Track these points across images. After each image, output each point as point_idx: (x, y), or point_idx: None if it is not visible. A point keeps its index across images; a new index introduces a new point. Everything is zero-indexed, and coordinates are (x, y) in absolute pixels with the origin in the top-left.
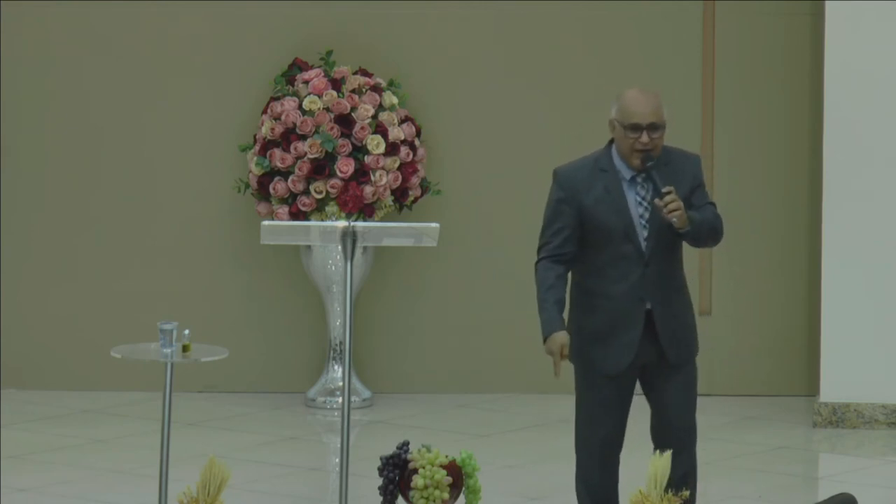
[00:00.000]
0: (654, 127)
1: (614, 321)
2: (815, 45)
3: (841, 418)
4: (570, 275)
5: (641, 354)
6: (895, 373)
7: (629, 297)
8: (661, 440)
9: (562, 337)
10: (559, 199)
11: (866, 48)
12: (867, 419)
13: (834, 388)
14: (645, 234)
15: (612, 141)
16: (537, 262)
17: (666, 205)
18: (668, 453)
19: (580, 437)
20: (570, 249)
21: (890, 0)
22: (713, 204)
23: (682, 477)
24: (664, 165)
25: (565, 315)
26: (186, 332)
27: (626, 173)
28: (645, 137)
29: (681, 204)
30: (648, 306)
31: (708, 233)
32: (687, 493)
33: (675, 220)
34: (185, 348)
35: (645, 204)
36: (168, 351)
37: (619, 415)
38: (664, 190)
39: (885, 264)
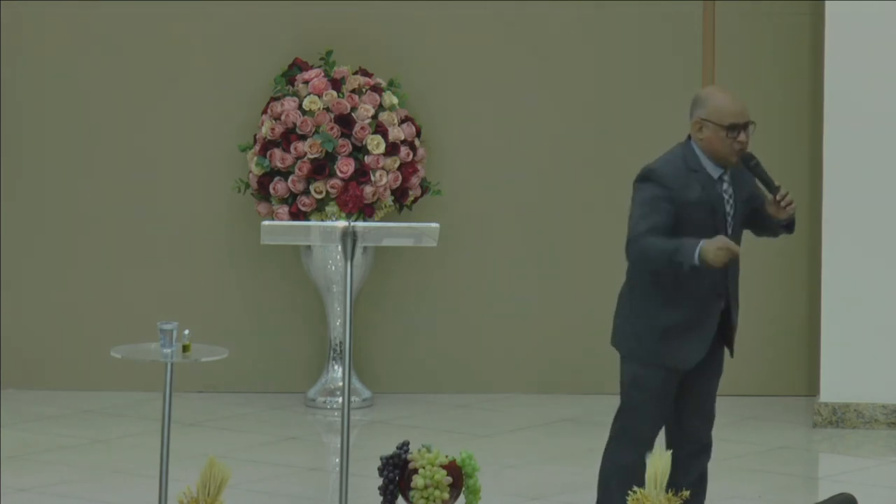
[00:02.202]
0: (748, 124)
1: (696, 316)
2: (815, 45)
3: (841, 418)
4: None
5: (710, 349)
6: (895, 373)
7: (712, 294)
8: (690, 434)
9: (716, 240)
10: (659, 196)
11: (866, 48)
12: (867, 419)
13: (834, 388)
14: (729, 231)
15: (688, 138)
16: (638, 237)
17: (782, 199)
18: (669, 453)
19: (635, 428)
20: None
21: (890, 0)
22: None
23: (703, 474)
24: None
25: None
26: (186, 332)
27: (714, 172)
28: (743, 136)
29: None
30: (723, 302)
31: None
32: (687, 493)
33: (790, 212)
34: (185, 348)
35: (731, 202)
36: (168, 351)
37: (670, 409)
38: (777, 184)
39: (885, 264)
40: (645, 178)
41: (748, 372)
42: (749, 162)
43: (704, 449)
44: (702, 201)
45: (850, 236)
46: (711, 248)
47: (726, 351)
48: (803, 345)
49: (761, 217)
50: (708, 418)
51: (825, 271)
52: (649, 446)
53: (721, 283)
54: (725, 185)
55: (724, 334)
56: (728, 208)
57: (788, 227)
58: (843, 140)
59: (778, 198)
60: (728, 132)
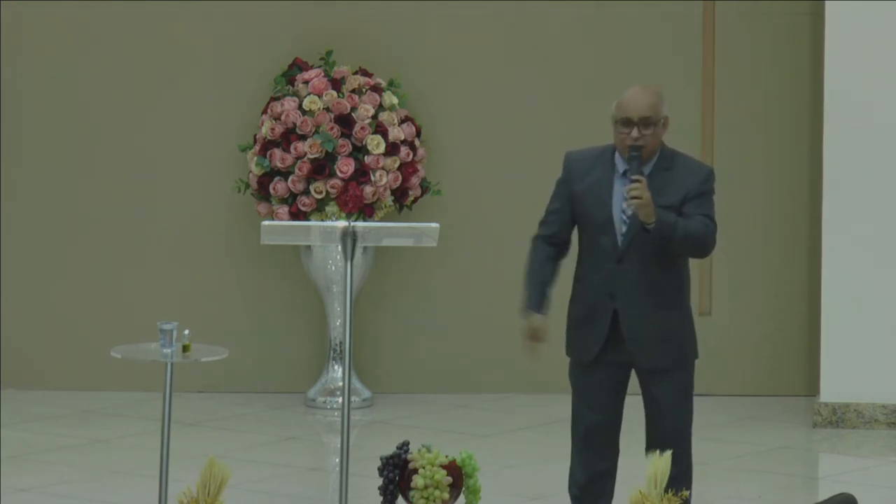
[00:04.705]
0: (646, 122)
1: (587, 311)
2: (815, 45)
3: (841, 418)
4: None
5: (611, 351)
6: (895, 373)
7: (600, 291)
8: (649, 443)
9: (533, 320)
10: (560, 180)
11: (866, 48)
12: (867, 419)
13: (834, 388)
14: (623, 229)
15: None
16: (534, 238)
17: (628, 191)
18: (669, 453)
19: (573, 430)
20: (562, 231)
21: (890, 0)
22: (710, 218)
23: (668, 483)
24: (664, 170)
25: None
26: (186, 332)
27: (621, 167)
28: (635, 132)
29: (643, 194)
30: (616, 304)
31: (684, 238)
32: (687, 493)
33: (632, 206)
34: (185, 348)
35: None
36: (168, 351)
37: (603, 411)
38: (633, 177)
39: (885, 264)
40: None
41: (748, 372)
42: (632, 152)
43: (673, 460)
44: (590, 190)
45: (850, 236)
46: (524, 325)
47: (679, 357)
48: (803, 345)
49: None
50: (667, 431)
51: (825, 271)
52: (582, 446)
53: (610, 282)
54: (627, 182)
55: (624, 339)
56: (625, 206)
57: (653, 234)
58: (843, 140)
59: (625, 189)
60: (621, 126)
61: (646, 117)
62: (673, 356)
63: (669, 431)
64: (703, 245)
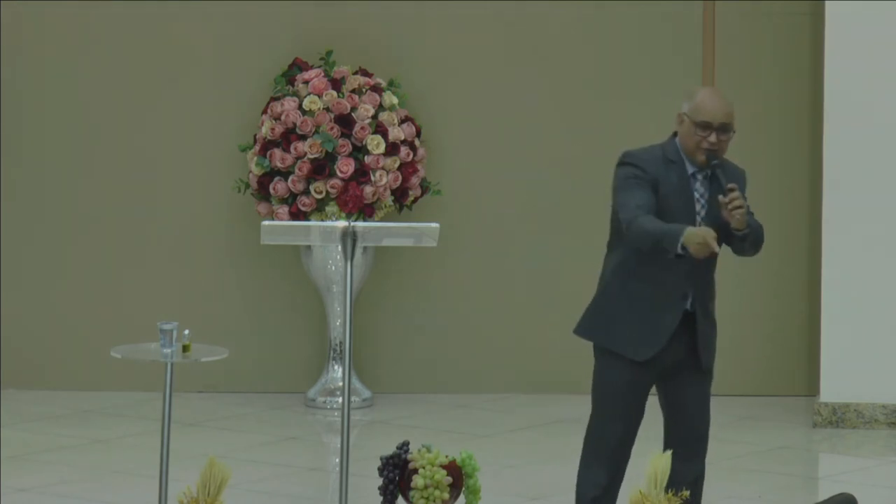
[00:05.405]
0: (724, 129)
1: (653, 310)
2: (815, 45)
3: (841, 418)
4: (611, 258)
5: (670, 350)
6: (895, 373)
7: (674, 291)
8: (674, 444)
9: (699, 229)
10: (636, 175)
11: (866, 48)
12: (867, 419)
13: (834, 388)
14: None
15: (674, 134)
16: (634, 220)
17: (730, 201)
18: (669, 453)
19: (595, 434)
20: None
21: (890, 0)
22: (753, 215)
23: (693, 482)
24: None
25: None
26: (186, 332)
27: (690, 168)
28: (713, 137)
29: (744, 203)
30: (689, 305)
31: (755, 241)
32: (687, 493)
33: (737, 216)
34: (185, 348)
35: (702, 202)
36: (168, 351)
37: (637, 413)
38: (728, 186)
39: (885, 264)
40: (621, 162)
41: (748, 372)
42: (711, 161)
43: (692, 458)
44: (673, 192)
45: (850, 236)
46: (694, 239)
47: (714, 357)
48: (803, 345)
49: (728, 227)
50: (699, 432)
51: (825, 271)
52: (615, 453)
53: (685, 282)
54: (698, 185)
55: (693, 340)
56: (698, 208)
57: (749, 243)
58: (843, 140)
59: (725, 200)
60: (699, 129)
61: (725, 124)
62: (714, 357)
63: (700, 432)
64: (761, 243)
